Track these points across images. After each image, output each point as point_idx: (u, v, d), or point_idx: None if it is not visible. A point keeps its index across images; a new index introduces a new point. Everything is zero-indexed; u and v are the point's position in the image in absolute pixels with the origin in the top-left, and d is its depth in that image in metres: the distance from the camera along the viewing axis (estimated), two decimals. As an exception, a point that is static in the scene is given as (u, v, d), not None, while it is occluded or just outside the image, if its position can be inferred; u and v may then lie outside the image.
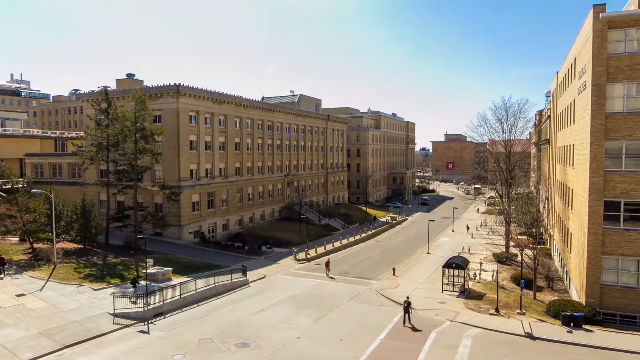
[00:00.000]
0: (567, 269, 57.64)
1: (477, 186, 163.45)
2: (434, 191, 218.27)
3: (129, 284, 52.71)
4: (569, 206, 56.41)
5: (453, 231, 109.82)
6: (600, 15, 42.60)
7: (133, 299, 45.38)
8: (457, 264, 57.26)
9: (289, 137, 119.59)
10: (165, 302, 46.64)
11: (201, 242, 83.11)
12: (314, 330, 42.94)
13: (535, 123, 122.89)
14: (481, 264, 69.57)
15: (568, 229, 56.22)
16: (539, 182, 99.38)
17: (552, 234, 75.55)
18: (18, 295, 47.53)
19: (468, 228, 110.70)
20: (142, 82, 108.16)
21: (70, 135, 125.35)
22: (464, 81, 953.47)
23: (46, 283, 52.05)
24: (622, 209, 43.39)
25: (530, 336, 41.86)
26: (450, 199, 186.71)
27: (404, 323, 44.48)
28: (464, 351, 38.50)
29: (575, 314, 43.49)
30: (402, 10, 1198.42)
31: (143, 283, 50.84)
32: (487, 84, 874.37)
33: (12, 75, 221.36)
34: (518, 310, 48.37)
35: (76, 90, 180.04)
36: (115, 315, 43.88)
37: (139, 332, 41.47)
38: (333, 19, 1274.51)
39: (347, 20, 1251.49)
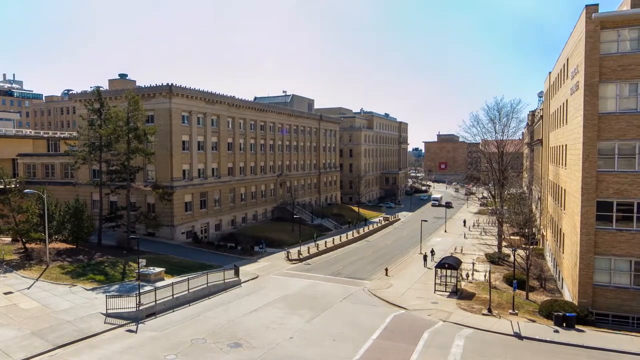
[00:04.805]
0: (560, 269, 57.82)
1: (463, 185, 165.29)
2: (426, 191, 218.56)
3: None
4: (561, 206, 56.57)
5: (445, 231, 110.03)
6: (593, 15, 42.74)
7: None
8: (449, 264, 57.32)
9: (282, 136, 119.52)
10: (157, 302, 46.41)
11: (193, 242, 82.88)
12: (307, 330, 42.86)
13: (527, 123, 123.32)
14: (473, 264, 69.76)
15: (560, 229, 56.40)
16: (531, 182, 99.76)
17: (545, 234, 75.78)
18: (9, 294, 47.23)
19: (465, 223, 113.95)
20: (135, 82, 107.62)
21: (62, 135, 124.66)
22: (457, 81, 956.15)
23: (38, 283, 51.76)
24: (615, 209, 43.58)
25: (518, 336, 42.03)
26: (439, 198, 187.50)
27: None
28: (456, 351, 38.54)
29: (567, 314, 43.62)
30: (396, 11, 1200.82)
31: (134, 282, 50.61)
32: (480, 84, 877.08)
33: (4, 75, 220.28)
34: (510, 310, 48.51)
35: (68, 90, 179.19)
36: (108, 315, 43.66)
37: (131, 332, 41.26)
38: (327, 20, 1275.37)
39: (341, 21, 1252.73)
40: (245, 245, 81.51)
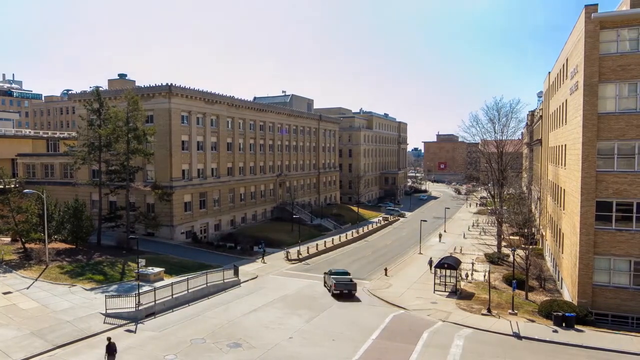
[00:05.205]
0: (559, 269, 57.82)
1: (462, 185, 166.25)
2: (425, 191, 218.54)
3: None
4: (560, 206, 56.57)
5: (445, 231, 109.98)
6: (592, 15, 42.72)
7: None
8: (448, 264, 57.31)
9: (282, 136, 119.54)
10: (157, 302, 46.36)
11: (193, 242, 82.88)
12: (306, 330, 42.83)
13: (527, 123, 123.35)
14: (473, 264, 69.74)
15: (560, 229, 56.38)
16: (530, 182, 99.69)
17: (544, 234, 75.79)
18: (8, 294, 47.20)
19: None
20: (134, 82, 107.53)
21: (62, 135, 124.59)
22: (457, 81, 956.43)
23: (37, 283, 51.72)
24: (614, 209, 43.56)
25: (517, 336, 42.03)
26: (436, 198, 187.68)
27: None
28: (455, 351, 38.52)
29: (566, 314, 43.61)
30: (396, 11, 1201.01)
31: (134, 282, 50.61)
32: (480, 84, 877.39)
33: (4, 75, 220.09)
34: (510, 310, 48.48)
35: (68, 90, 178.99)
36: (107, 315, 43.61)
37: (131, 332, 41.21)
38: (326, 20, 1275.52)
39: (340, 21, 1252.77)
40: (245, 245, 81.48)
